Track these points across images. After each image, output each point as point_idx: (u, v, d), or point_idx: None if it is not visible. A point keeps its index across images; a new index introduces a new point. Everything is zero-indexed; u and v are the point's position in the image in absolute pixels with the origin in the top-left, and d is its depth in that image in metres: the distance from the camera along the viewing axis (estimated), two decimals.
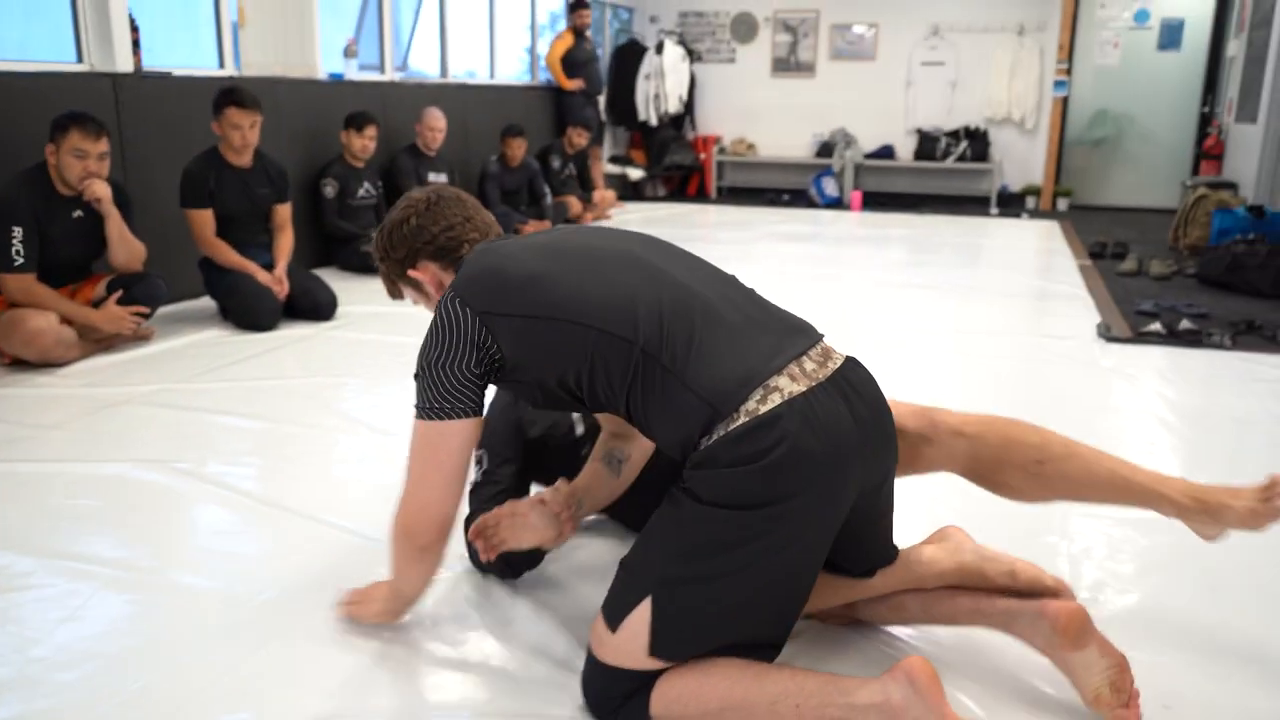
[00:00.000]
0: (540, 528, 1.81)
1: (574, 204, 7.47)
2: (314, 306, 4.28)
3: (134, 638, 1.81)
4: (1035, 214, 8.92)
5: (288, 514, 2.35)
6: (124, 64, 4.30)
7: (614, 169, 9.36)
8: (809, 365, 1.53)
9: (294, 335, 4.07)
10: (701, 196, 9.96)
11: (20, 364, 3.50)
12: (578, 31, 8.24)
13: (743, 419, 1.44)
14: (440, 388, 1.56)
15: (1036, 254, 6.76)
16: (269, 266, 4.26)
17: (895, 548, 1.72)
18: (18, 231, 3.45)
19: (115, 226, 3.67)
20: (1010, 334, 4.34)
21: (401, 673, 1.71)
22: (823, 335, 1.61)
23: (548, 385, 1.59)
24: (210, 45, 5.11)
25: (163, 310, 4.01)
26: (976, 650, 1.77)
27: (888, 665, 1.47)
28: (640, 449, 1.90)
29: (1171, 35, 9.07)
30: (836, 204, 9.16)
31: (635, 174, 9.57)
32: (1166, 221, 8.25)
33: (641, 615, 1.48)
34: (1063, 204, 9.29)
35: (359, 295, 4.76)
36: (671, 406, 1.49)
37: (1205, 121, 9.02)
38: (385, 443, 2.85)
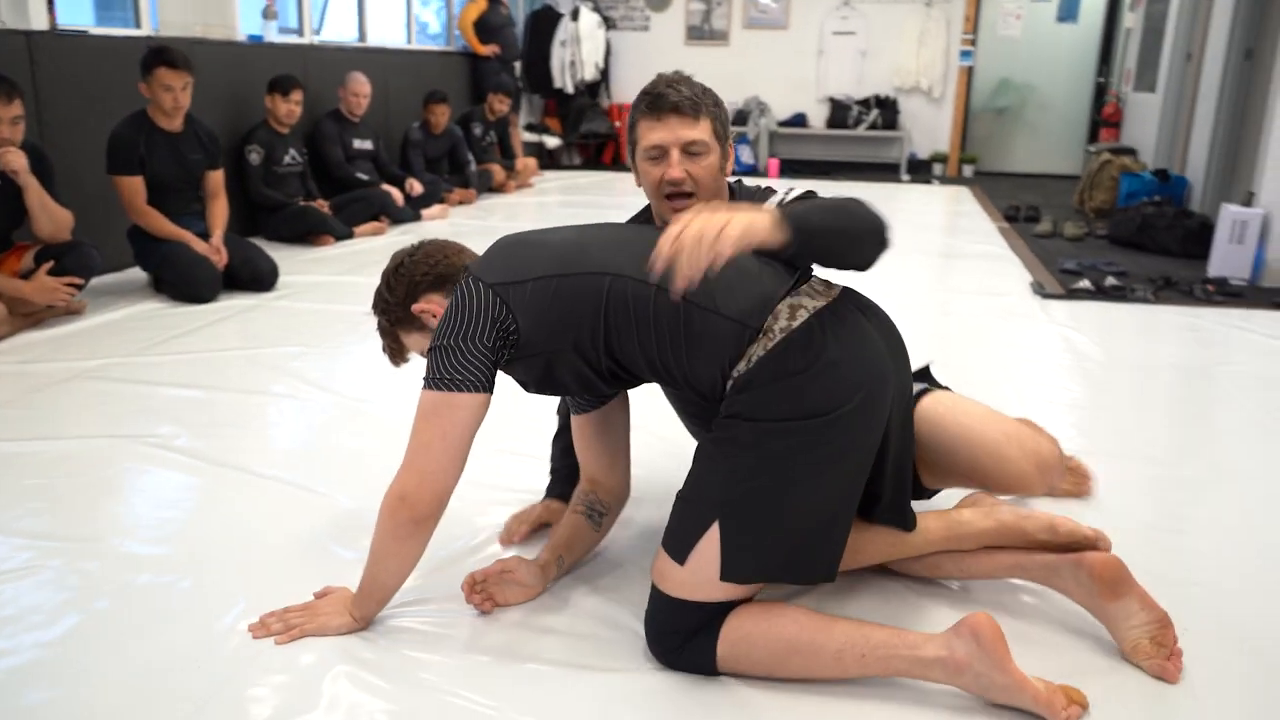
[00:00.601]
0: (530, 585, 1.77)
1: (498, 172, 7.36)
2: (255, 276, 4.11)
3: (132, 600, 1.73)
4: (944, 180, 9.19)
5: (270, 481, 2.29)
6: (38, 21, 4.04)
7: (530, 137, 9.24)
8: (819, 286, 1.61)
9: (237, 306, 3.91)
10: (618, 165, 9.93)
11: None
12: None
13: (778, 335, 1.49)
14: (454, 360, 1.55)
15: (953, 217, 6.98)
16: (204, 235, 4.08)
17: (913, 514, 1.74)
18: None
19: (35, 196, 3.44)
20: (951, 292, 4.48)
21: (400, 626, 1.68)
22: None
23: (564, 355, 1.59)
24: (125, 4, 4.83)
25: (90, 284, 3.80)
26: (1025, 612, 1.83)
27: (948, 624, 1.51)
28: (618, 499, 1.89)
29: (1069, 8, 9.42)
30: (752, 171, 9.25)
31: (552, 142, 9.47)
32: (1067, 186, 8.62)
33: (710, 541, 1.49)
34: (968, 170, 9.59)
35: (295, 265, 4.60)
36: (704, 338, 1.52)
37: (1101, 91, 9.42)
38: (352, 407, 2.81)
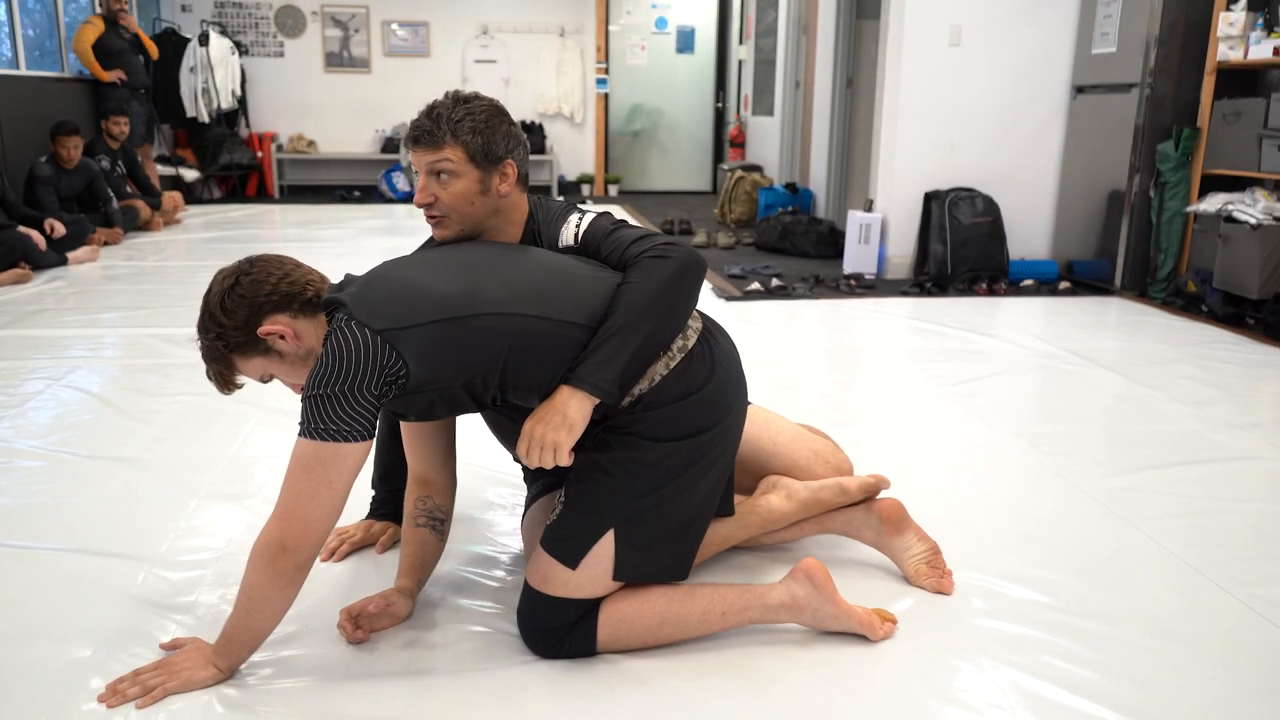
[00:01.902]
0: (403, 614, 1.79)
1: (144, 208, 6.75)
2: None
3: None
4: (593, 199, 9.75)
5: (25, 550, 2.06)
6: None
7: (165, 170, 8.55)
8: None
9: None
10: (263, 196, 9.46)
11: None
12: (109, 18, 7.40)
13: (678, 356, 1.65)
14: (338, 409, 1.49)
15: None
16: None
17: (733, 504, 1.96)
18: None
19: None
20: None
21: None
22: None
23: (452, 391, 1.59)
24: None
25: None
26: (830, 561, 2.12)
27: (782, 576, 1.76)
28: (450, 497, 1.91)
29: (686, 40, 10.39)
30: (409, 198, 9.24)
31: (189, 174, 8.82)
32: (703, 201, 9.52)
33: (605, 547, 1.62)
34: (613, 189, 10.25)
35: None
36: None
37: (720, 114, 10.48)
38: (78, 464, 2.56)
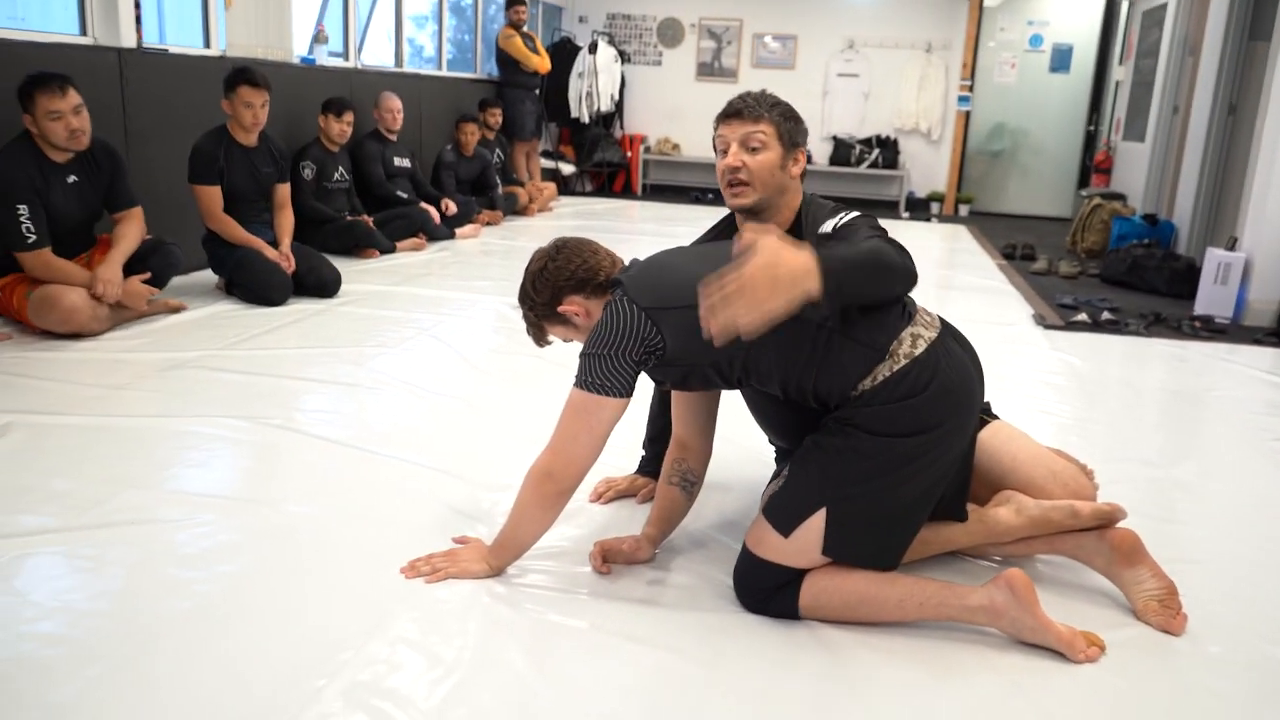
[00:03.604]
0: (644, 557, 2.05)
1: (522, 195, 7.70)
2: (320, 284, 4.43)
3: (266, 555, 2.04)
4: (940, 218, 9.61)
5: (383, 457, 2.60)
6: (128, 39, 4.35)
7: (547, 163, 9.60)
8: (926, 318, 1.89)
9: (306, 310, 4.22)
10: (627, 193, 10.30)
11: (51, 333, 3.55)
12: (515, 27, 8.43)
13: (903, 360, 1.79)
14: (604, 368, 1.80)
15: (953, 253, 7.36)
16: (272, 243, 4.39)
17: (965, 510, 2.05)
18: (23, 209, 3.41)
19: (120, 260, 3.68)
20: (957, 320, 4.81)
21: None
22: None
23: (701, 369, 1.85)
24: (195, 25, 5.16)
25: (170, 283, 4.09)
26: (1056, 580, 2.16)
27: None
28: (704, 463, 2.13)
29: (1062, 59, 9.90)
30: None
31: (567, 169, 9.83)
32: (1056, 227, 9.05)
33: (816, 522, 1.81)
34: (964, 210, 10.02)
35: (346, 275, 4.89)
36: (841, 359, 1.79)
37: (1091, 138, 9.88)
38: (433, 398, 3.13)
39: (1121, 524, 2.04)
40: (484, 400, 3.14)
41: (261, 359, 3.44)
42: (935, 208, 9.96)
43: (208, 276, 4.59)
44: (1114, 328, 4.81)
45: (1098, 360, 4.17)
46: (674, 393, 2.11)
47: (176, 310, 3.98)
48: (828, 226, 2.01)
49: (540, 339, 2.06)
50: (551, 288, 1.95)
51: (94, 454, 2.52)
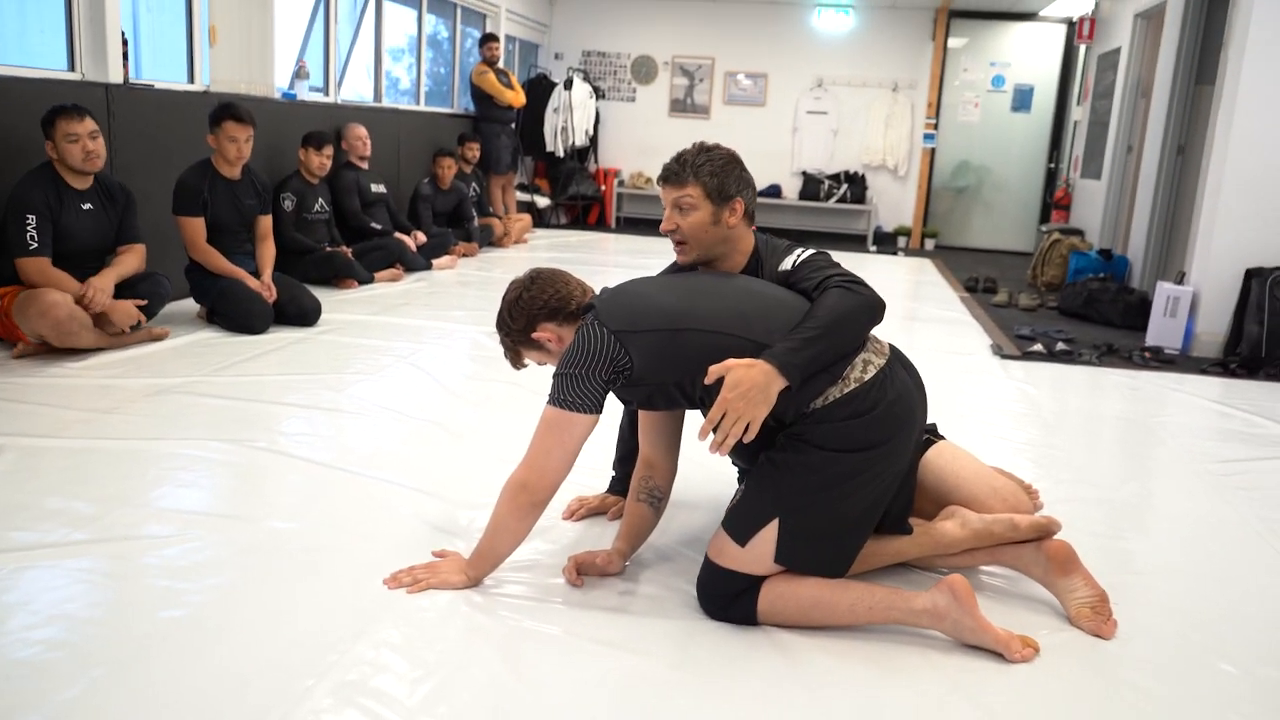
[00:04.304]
0: (615, 570, 2.18)
1: (497, 226, 7.86)
2: (300, 313, 4.54)
3: (253, 569, 2.16)
4: (907, 252, 9.85)
5: (365, 478, 2.71)
6: (115, 75, 4.48)
7: (523, 196, 9.76)
8: (877, 345, 2.05)
9: (287, 338, 4.33)
10: (601, 225, 10.48)
11: (45, 357, 3.66)
12: (489, 63, 8.61)
13: (853, 384, 1.95)
14: (575, 387, 1.95)
15: (918, 285, 7.58)
16: (254, 274, 4.50)
17: (909, 523, 2.20)
18: (31, 219, 3.64)
19: (114, 277, 3.88)
20: (919, 350, 4.99)
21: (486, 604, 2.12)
22: None
23: (665, 388, 1.99)
24: (178, 61, 5.30)
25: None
26: (997, 589, 2.31)
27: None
28: (669, 480, 2.27)
29: (1023, 99, 10.23)
30: None
31: (542, 202, 10.00)
32: (1020, 261, 9.30)
33: (770, 532, 1.95)
34: (929, 244, 10.28)
35: (329, 304, 5.01)
36: None
37: (1051, 175, 10.19)
38: (415, 423, 3.25)
39: (1064, 538, 2.19)
40: (460, 424, 3.27)
41: (244, 384, 3.55)
42: (902, 241, 10.21)
43: (190, 305, 4.69)
44: (1068, 358, 5.01)
45: (1051, 389, 4.35)
46: (641, 413, 2.25)
47: (160, 338, 4.08)
48: (786, 264, 2.16)
49: (517, 362, 2.20)
50: (526, 315, 2.10)
51: (86, 474, 2.62)
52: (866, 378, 1.97)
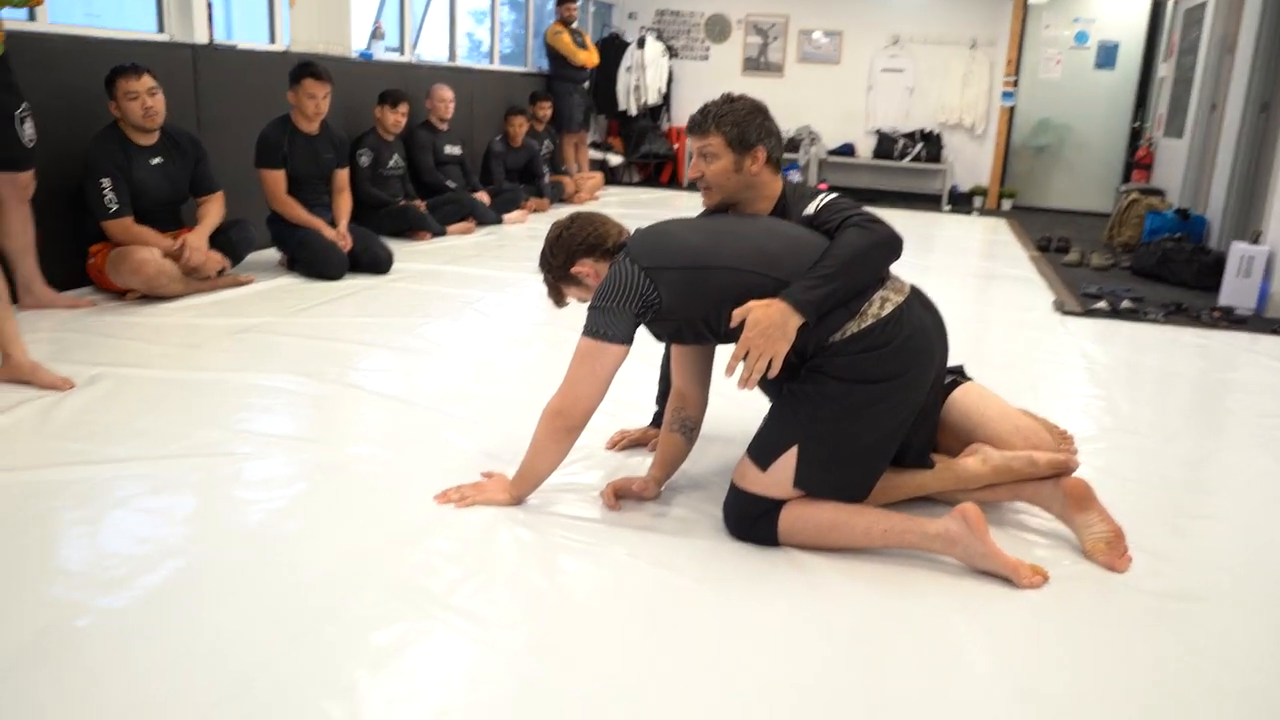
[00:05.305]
0: (650, 495, 2.33)
1: (568, 183, 8.02)
2: (374, 261, 4.77)
3: (329, 490, 2.36)
4: (983, 212, 9.72)
5: (431, 410, 2.90)
6: (201, 36, 4.73)
7: (595, 154, 9.89)
8: (897, 284, 2.15)
9: (360, 285, 4.57)
10: (673, 184, 10.56)
11: (140, 301, 3.95)
12: (565, 23, 8.73)
13: (870, 319, 2.05)
14: (607, 319, 2.09)
15: (989, 244, 7.52)
16: (331, 224, 4.74)
17: (932, 458, 2.30)
18: (106, 182, 3.85)
19: (205, 232, 4.13)
20: (981, 305, 5.04)
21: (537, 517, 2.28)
22: None
23: (693, 323, 2.12)
24: (260, 23, 5.54)
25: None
26: (1018, 524, 2.40)
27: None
28: (700, 410, 2.39)
29: (1108, 55, 9.95)
30: None
31: (614, 160, 10.13)
32: (1100, 223, 9.11)
33: (789, 458, 2.07)
34: (1006, 204, 10.11)
35: (402, 255, 5.24)
36: None
37: (1135, 135, 9.92)
38: (478, 363, 3.45)
39: (1089, 479, 2.25)
40: (519, 364, 3.45)
41: (320, 325, 3.78)
42: (978, 202, 10.06)
43: (271, 254, 4.96)
44: (1133, 315, 4.96)
45: (1110, 344, 4.34)
46: (674, 348, 2.38)
47: (243, 284, 4.34)
48: (810, 209, 2.26)
49: (559, 300, 2.34)
50: (566, 251, 2.24)
51: (171, 400, 2.86)
52: (884, 314, 2.06)
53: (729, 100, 2.32)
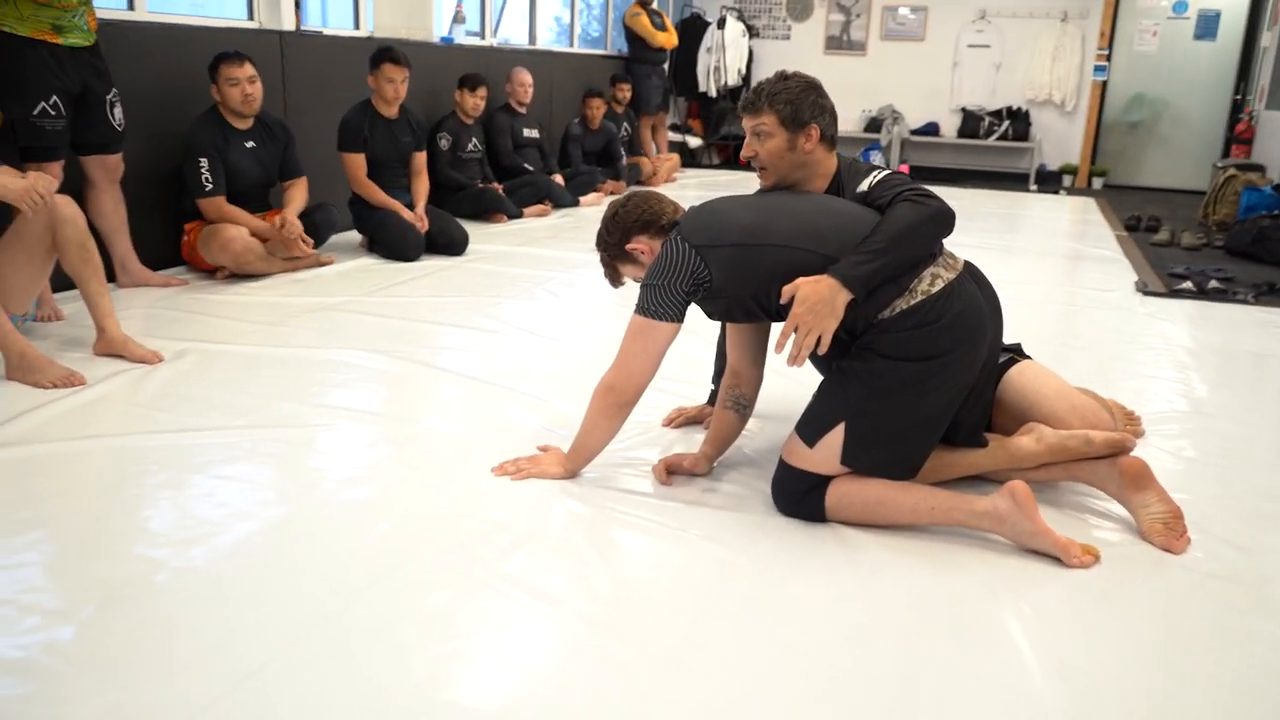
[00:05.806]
0: (702, 472, 2.37)
1: (646, 165, 8.07)
2: (450, 242, 4.90)
3: (408, 463, 2.46)
4: (1072, 191, 9.45)
5: (500, 388, 3.00)
6: (288, 23, 4.90)
7: (674, 136, 9.91)
8: (949, 260, 2.14)
9: (436, 266, 4.70)
10: (753, 166, 10.49)
11: (225, 280, 4.15)
12: (643, 5, 8.74)
13: (920, 296, 2.05)
14: (659, 297, 2.13)
15: (1075, 224, 7.32)
16: (409, 206, 4.88)
17: (985, 436, 2.29)
18: (204, 162, 4.07)
19: (295, 213, 4.31)
20: (1059, 285, 4.93)
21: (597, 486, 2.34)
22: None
23: (743, 300, 2.14)
24: (345, 10, 5.71)
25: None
26: (1072, 504, 2.38)
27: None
28: (755, 388, 2.41)
29: (1208, 25, 9.54)
30: None
31: (694, 142, 10.13)
32: (1196, 201, 8.76)
33: (836, 435, 2.09)
34: (1097, 183, 9.81)
35: (476, 237, 5.36)
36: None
37: (1237, 108, 9.50)
38: (548, 342, 3.52)
39: (1145, 457, 2.22)
40: (588, 345, 3.51)
41: (397, 305, 3.91)
42: (1067, 180, 9.79)
43: (353, 235, 5.13)
44: (1220, 296, 4.80)
45: (1193, 326, 4.20)
46: (728, 326, 2.41)
47: (325, 264, 4.51)
48: (864, 186, 2.26)
49: (615, 279, 2.39)
50: (621, 229, 2.29)
51: (253, 374, 3.01)
52: (934, 290, 2.06)
53: (782, 78, 2.32)
